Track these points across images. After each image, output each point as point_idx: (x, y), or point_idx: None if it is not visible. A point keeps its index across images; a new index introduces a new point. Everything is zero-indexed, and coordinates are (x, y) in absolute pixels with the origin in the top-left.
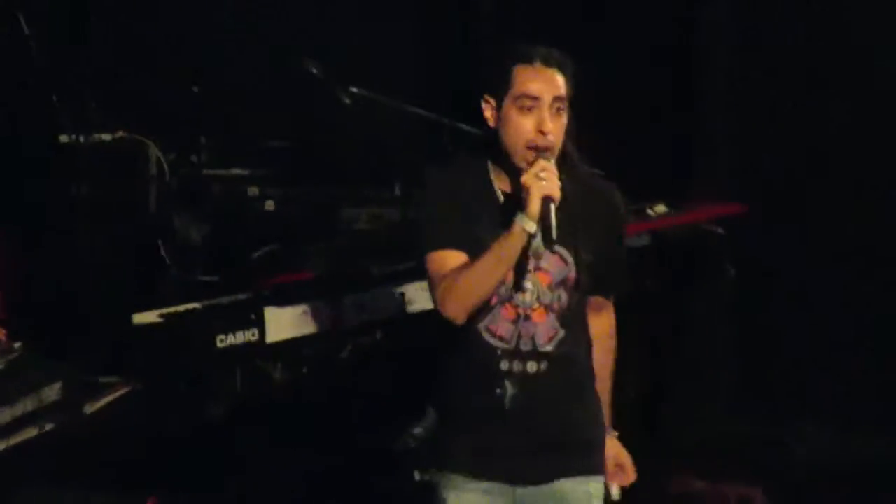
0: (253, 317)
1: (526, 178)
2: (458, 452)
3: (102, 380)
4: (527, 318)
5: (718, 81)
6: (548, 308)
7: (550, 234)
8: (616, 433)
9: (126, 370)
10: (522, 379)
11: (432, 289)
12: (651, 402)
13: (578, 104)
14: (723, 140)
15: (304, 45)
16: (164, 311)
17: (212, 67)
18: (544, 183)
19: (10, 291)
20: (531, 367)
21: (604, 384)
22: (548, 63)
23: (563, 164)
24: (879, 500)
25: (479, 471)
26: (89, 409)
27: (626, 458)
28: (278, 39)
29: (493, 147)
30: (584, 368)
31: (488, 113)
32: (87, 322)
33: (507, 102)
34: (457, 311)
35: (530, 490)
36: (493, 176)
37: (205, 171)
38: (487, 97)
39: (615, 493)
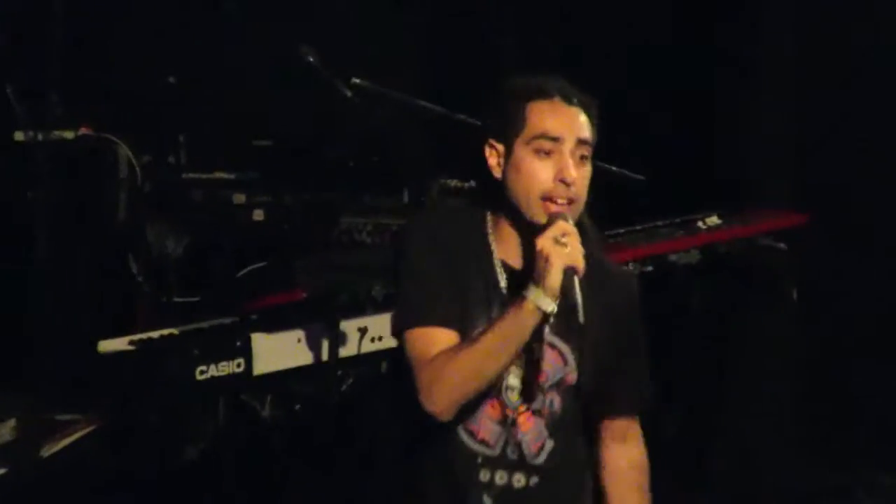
0: (238, 344)
1: (543, 242)
2: None
3: (62, 417)
4: (514, 422)
5: (778, 82)
6: (536, 412)
7: (577, 314)
8: None
9: (90, 405)
10: (505, 494)
11: (413, 375)
12: (698, 444)
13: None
14: (784, 144)
15: (300, 30)
16: (135, 337)
17: (192, 55)
18: (567, 250)
19: None
20: (518, 480)
21: None
22: (569, 100)
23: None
24: None
25: None
26: (47, 450)
27: None
28: (270, 24)
29: (495, 200)
30: (582, 491)
31: (493, 161)
32: (45, 349)
33: (518, 146)
34: (445, 406)
35: None
36: (492, 237)
37: (183, 175)
38: (493, 141)
39: None
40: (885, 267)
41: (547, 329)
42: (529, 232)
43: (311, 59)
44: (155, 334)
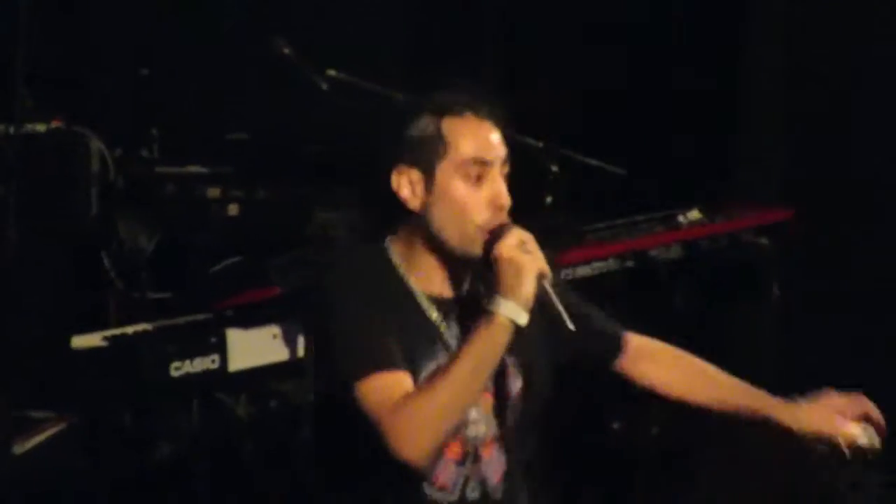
0: (213, 341)
1: (510, 252)
2: None
3: (34, 414)
4: (476, 457)
5: (764, 75)
6: (495, 438)
7: (563, 322)
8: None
9: (62, 402)
10: None
11: (374, 428)
12: (679, 443)
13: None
14: (767, 136)
15: (274, 21)
16: (108, 333)
17: (165, 47)
18: (534, 256)
19: None
20: None
21: (726, 382)
22: (487, 115)
23: None
24: None
25: None
26: (19, 448)
27: (863, 404)
28: (243, 15)
29: (409, 235)
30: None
31: (406, 190)
32: (16, 346)
33: (441, 173)
34: (424, 450)
35: None
36: (403, 270)
37: (156, 169)
38: (403, 167)
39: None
40: (870, 262)
41: None
42: (454, 260)
43: (286, 51)
44: (128, 330)
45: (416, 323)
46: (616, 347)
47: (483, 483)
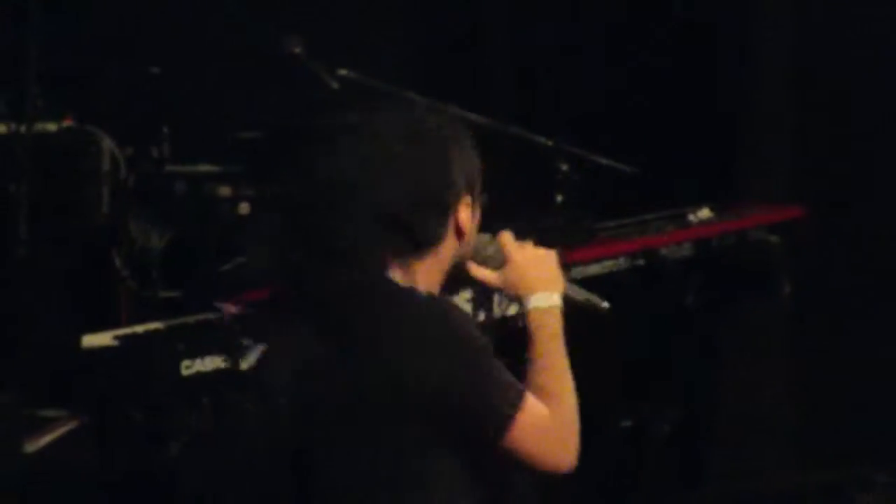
0: (224, 339)
1: (525, 249)
2: None
3: (45, 413)
4: None
5: (771, 70)
6: None
7: (597, 302)
8: None
9: (73, 401)
10: None
11: (536, 450)
12: (689, 443)
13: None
14: (776, 134)
15: (285, 20)
16: (119, 332)
17: (176, 45)
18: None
19: None
20: None
21: None
22: None
23: None
24: None
25: None
26: (30, 447)
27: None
28: (255, 13)
29: (434, 264)
30: None
31: (468, 222)
32: (27, 345)
33: (476, 195)
34: (577, 454)
35: None
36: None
37: (167, 168)
38: (466, 198)
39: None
40: (881, 261)
41: None
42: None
43: (297, 50)
44: (139, 329)
45: None
46: None
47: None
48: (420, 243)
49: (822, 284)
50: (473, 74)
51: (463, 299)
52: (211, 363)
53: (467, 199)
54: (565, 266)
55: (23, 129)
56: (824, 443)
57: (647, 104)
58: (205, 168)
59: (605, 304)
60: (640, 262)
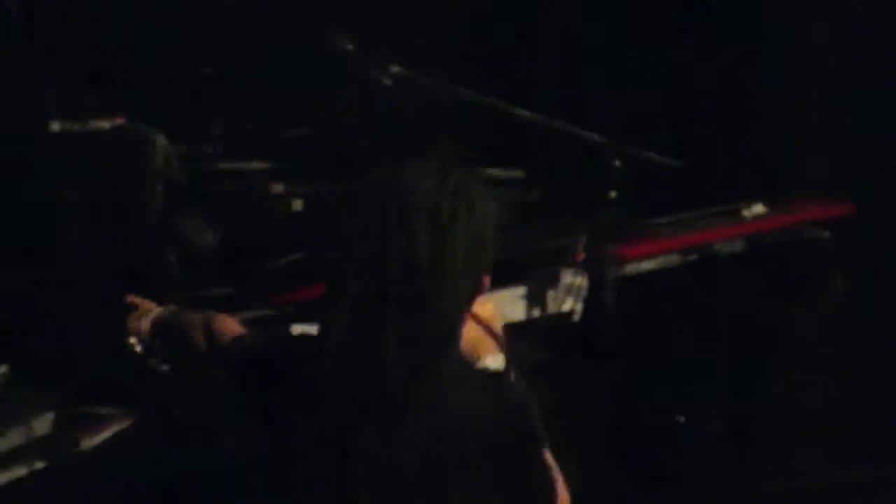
0: None
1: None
2: None
3: (101, 410)
4: None
5: (826, 63)
6: None
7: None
8: None
9: (128, 399)
10: None
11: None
12: (740, 441)
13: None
14: (831, 130)
15: (337, 17)
16: None
17: (228, 44)
18: None
19: None
20: None
21: None
22: None
23: None
24: None
25: None
26: (87, 443)
27: None
28: (306, 11)
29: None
30: None
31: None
32: (80, 342)
33: None
34: None
35: None
36: None
37: (220, 165)
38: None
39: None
40: None
41: None
42: None
43: (349, 47)
44: None
45: None
46: None
47: None
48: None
49: (873, 282)
50: (524, 70)
51: (517, 296)
52: None
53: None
54: (619, 263)
55: (75, 127)
56: (876, 440)
57: (699, 98)
58: (257, 165)
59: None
60: (694, 257)
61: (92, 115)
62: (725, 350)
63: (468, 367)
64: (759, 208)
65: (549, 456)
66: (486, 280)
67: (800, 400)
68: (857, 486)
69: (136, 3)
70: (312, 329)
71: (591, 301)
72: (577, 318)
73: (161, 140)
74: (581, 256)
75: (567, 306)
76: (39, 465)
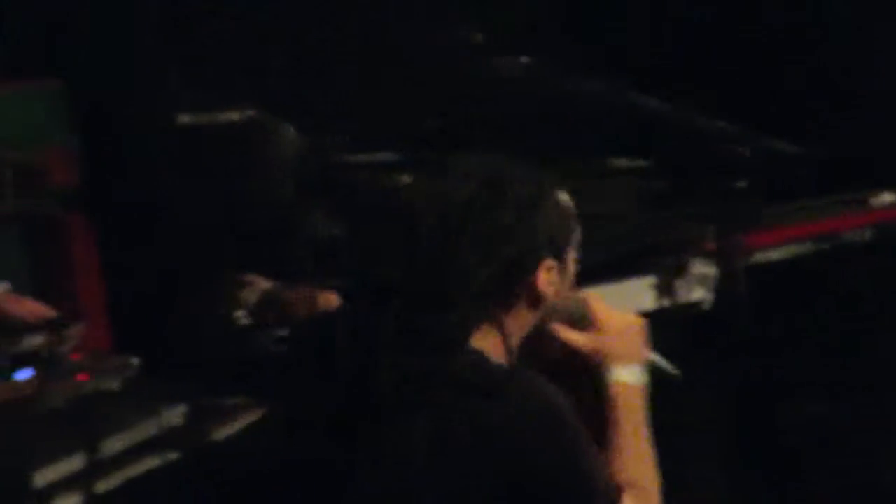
0: None
1: (616, 313)
2: None
3: (231, 401)
4: None
5: None
6: None
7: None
8: None
9: (256, 389)
10: None
11: None
12: (867, 431)
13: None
14: None
15: (464, 7)
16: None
17: (356, 33)
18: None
19: (118, 297)
20: None
21: None
22: None
23: None
24: None
25: None
26: (218, 435)
27: None
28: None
29: (511, 329)
30: None
31: (549, 288)
32: (210, 333)
33: (568, 257)
34: None
35: None
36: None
37: (349, 157)
38: (547, 262)
39: None
40: None
41: None
42: (538, 342)
43: (476, 37)
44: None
45: None
46: None
47: None
48: (494, 307)
49: None
50: (651, 60)
51: (646, 286)
52: None
53: (549, 263)
54: (747, 252)
55: (205, 119)
56: None
57: (827, 88)
58: (386, 156)
59: (677, 373)
60: (822, 246)
61: (222, 107)
62: (852, 338)
63: (486, 370)
64: (887, 197)
65: None
66: (539, 278)
67: None
68: None
69: None
70: None
71: (721, 290)
72: (706, 307)
73: (290, 132)
74: (710, 246)
75: (696, 296)
76: (172, 456)
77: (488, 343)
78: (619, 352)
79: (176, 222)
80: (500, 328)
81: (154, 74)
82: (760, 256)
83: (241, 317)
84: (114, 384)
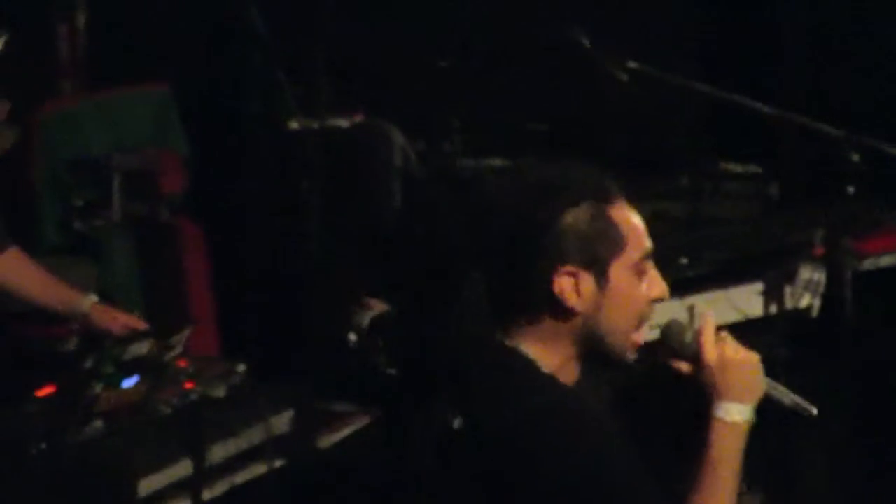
0: None
1: (731, 351)
2: None
3: (338, 408)
4: None
5: None
6: None
7: (805, 407)
8: None
9: (364, 397)
10: None
11: None
12: None
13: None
14: None
15: (572, 11)
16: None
17: (463, 38)
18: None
19: (228, 302)
20: None
21: None
22: (625, 197)
23: None
24: None
25: None
26: (325, 442)
27: None
28: (539, 5)
29: (553, 336)
30: None
31: (573, 296)
32: (319, 340)
33: (617, 271)
34: None
35: None
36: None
37: (458, 161)
38: (571, 269)
39: None
40: None
41: None
42: (600, 362)
43: (585, 42)
44: None
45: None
46: None
47: None
48: (516, 308)
49: None
50: (762, 64)
51: (754, 292)
52: None
53: (570, 269)
54: (858, 258)
55: (315, 124)
56: None
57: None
58: (495, 161)
59: (814, 411)
60: None
61: (331, 112)
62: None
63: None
64: None
65: None
66: (556, 283)
67: None
68: None
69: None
70: None
71: (829, 297)
72: (814, 314)
73: (399, 136)
74: (819, 251)
75: (805, 302)
76: (279, 463)
77: (536, 350)
78: (723, 387)
79: (286, 228)
80: (538, 336)
81: (265, 79)
82: (870, 262)
83: (352, 339)
84: (220, 391)
